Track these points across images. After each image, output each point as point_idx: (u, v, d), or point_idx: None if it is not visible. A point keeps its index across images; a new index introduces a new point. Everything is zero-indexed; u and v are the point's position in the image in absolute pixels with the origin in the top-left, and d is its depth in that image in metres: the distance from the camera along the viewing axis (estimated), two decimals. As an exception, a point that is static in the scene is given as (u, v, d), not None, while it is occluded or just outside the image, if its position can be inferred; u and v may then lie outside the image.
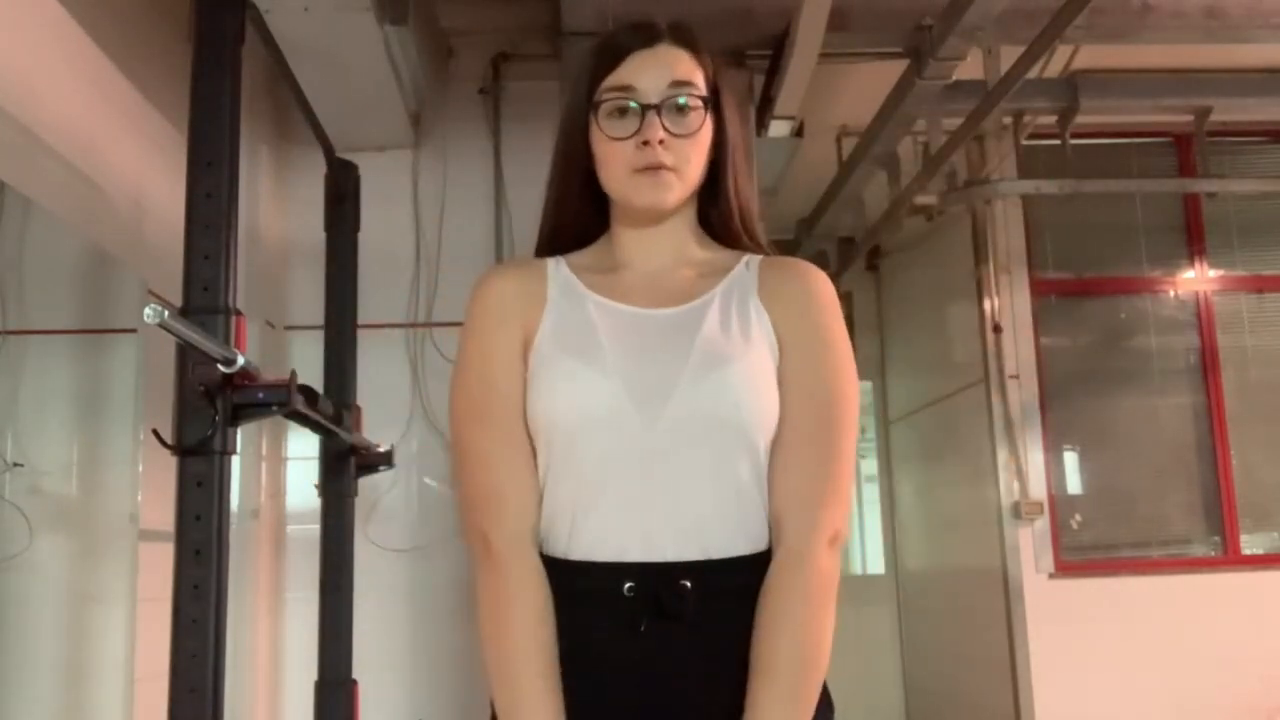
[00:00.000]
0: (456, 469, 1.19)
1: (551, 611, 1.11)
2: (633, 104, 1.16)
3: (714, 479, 1.11)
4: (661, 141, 1.15)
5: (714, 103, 1.21)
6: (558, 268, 1.23)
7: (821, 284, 1.21)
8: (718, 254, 1.25)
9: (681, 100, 1.16)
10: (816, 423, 1.14)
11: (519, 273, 1.24)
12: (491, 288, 1.22)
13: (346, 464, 2.84)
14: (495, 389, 1.17)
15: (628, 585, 1.09)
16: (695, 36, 1.22)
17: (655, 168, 1.15)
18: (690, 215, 1.25)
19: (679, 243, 1.23)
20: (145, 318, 1.48)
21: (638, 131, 1.15)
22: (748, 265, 1.23)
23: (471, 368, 1.19)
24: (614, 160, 1.17)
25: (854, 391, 1.17)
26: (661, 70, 1.17)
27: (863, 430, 6.25)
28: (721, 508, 1.11)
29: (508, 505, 1.14)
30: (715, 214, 1.25)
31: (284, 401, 1.88)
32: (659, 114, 1.15)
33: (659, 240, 1.22)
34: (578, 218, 1.25)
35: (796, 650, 1.07)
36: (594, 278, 1.22)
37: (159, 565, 1.94)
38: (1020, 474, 4.10)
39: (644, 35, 1.20)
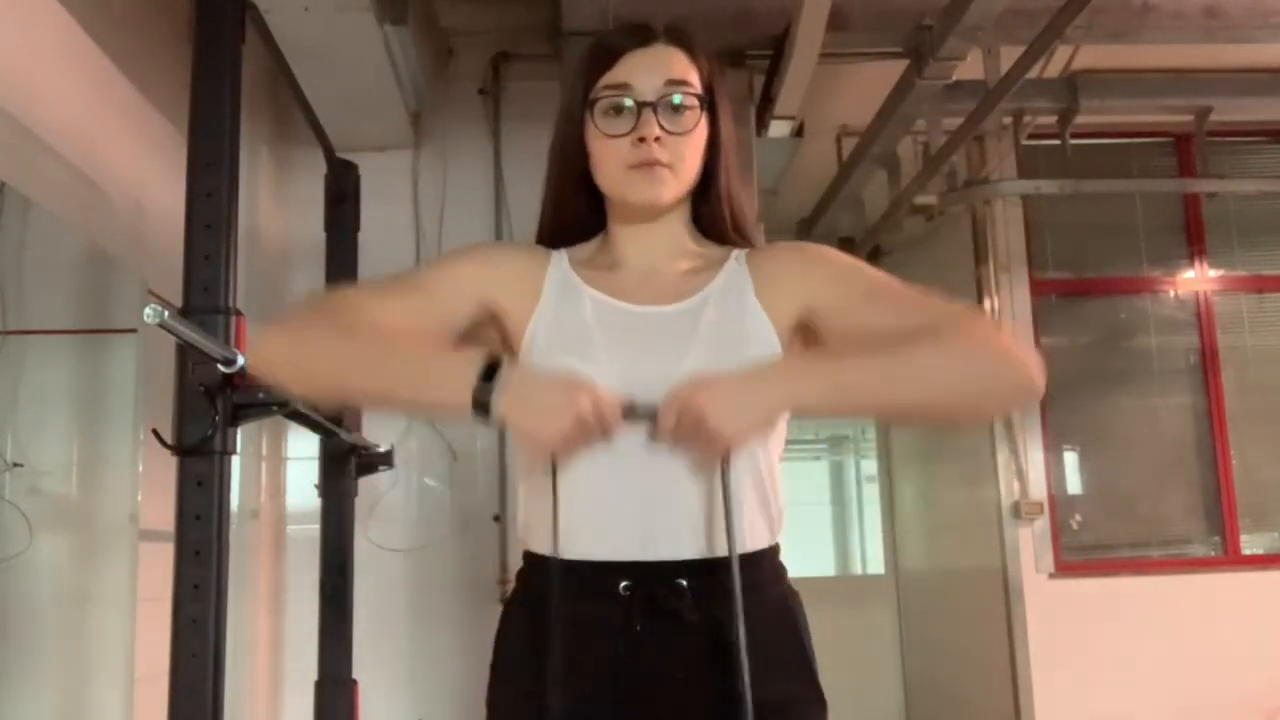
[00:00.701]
0: None
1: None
2: (628, 102, 1.17)
3: (710, 478, 1.10)
4: (657, 138, 1.15)
5: (709, 103, 1.21)
6: (560, 260, 1.24)
7: (810, 246, 1.26)
8: (710, 250, 1.26)
9: (676, 99, 1.17)
10: (878, 290, 1.18)
11: (525, 254, 1.25)
12: (502, 249, 1.28)
13: (346, 464, 2.84)
14: (441, 279, 1.22)
15: (623, 585, 1.09)
16: (691, 37, 1.23)
17: (650, 164, 1.16)
18: (685, 214, 1.25)
19: (673, 240, 1.24)
20: (145, 318, 1.48)
21: (633, 129, 1.16)
22: (737, 260, 1.23)
23: (435, 263, 1.28)
24: (609, 157, 1.18)
25: (882, 271, 1.21)
26: (657, 69, 1.18)
27: (862, 430, 6.26)
28: (718, 506, 1.10)
29: (365, 303, 1.15)
30: (707, 213, 1.26)
31: (284, 401, 1.88)
32: (654, 111, 1.16)
33: (654, 237, 1.23)
34: (575, 216, 1.26)
35: (923, 343, 1.08)
36: (591, 274, 1.22)
37: (159, 565, 1.94)
38: (1020, 474, 4.10)
39: (640, 35, 1.21)
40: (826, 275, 1.20)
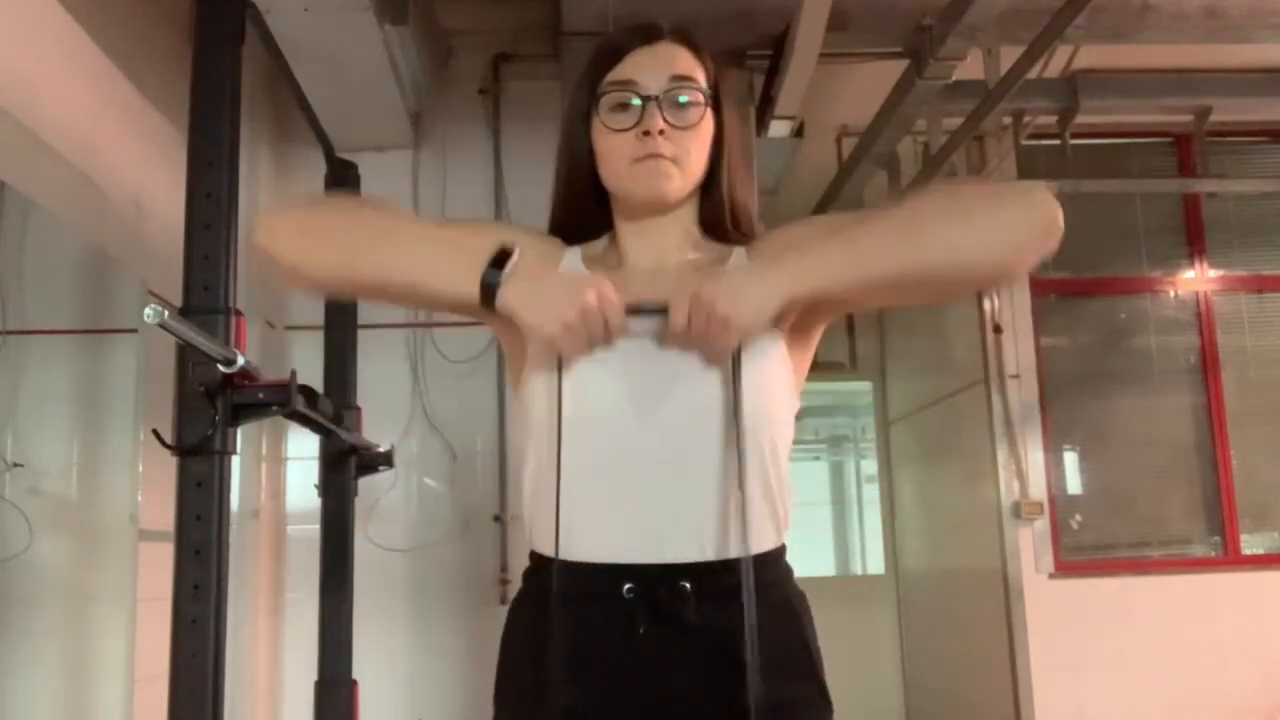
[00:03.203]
0: None
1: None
2: (634, 99, 1.17)
3: (714, 480, 1.10)
4: (662, 132, 1.15)
5: (714, 102, 1.21)
6: (573, 255, 1.24)
7: (797, 220, 1.25)
8: (714, 248, 1.25)
9: (682, 95, 1.17)
10: (863, 216, 1.15)
11: (545, 240, 1.26)
12: (525, 233, 1.25)
13: (346, 464, 2.84)
14: (463, 227, 1.24)
15: (627, 586, 1.08)
16: (696, 37, 1.23)
17: (655, 157, 1.15)
18: (691, 213, 1.25)
19: (679, 239, 1.23)
20: (145, 318, 1.48)
21: (638, 123, 1.16)
22: (739, 257, 1.23)
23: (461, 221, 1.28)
24: (615, 153, 1.18)
25: None
26: (662, 65, 1.18)
27: (862, 430, 6.26)
28: (722, 509, 1.10)
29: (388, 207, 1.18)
30: (710, 211, 1.25)
31: (284, 401, 1.88)
32: (659, 106, 1.16)
33: (660, 235, 1.22)
34: (583, 215, 1.26)
35: (941, 197, 1.09)
36: (600, 270, 1.22)
37: (159, 565, 1.94)
38: (1020, 474, 4.10)
39: (645, 33, 1.21)
40: (815, 229, 1.20)
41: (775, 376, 1.14)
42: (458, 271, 1.07)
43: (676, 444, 1.10)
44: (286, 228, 1.14)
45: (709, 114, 1.20)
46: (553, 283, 1.07)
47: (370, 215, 1.17)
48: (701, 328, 1.03)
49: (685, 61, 1.19)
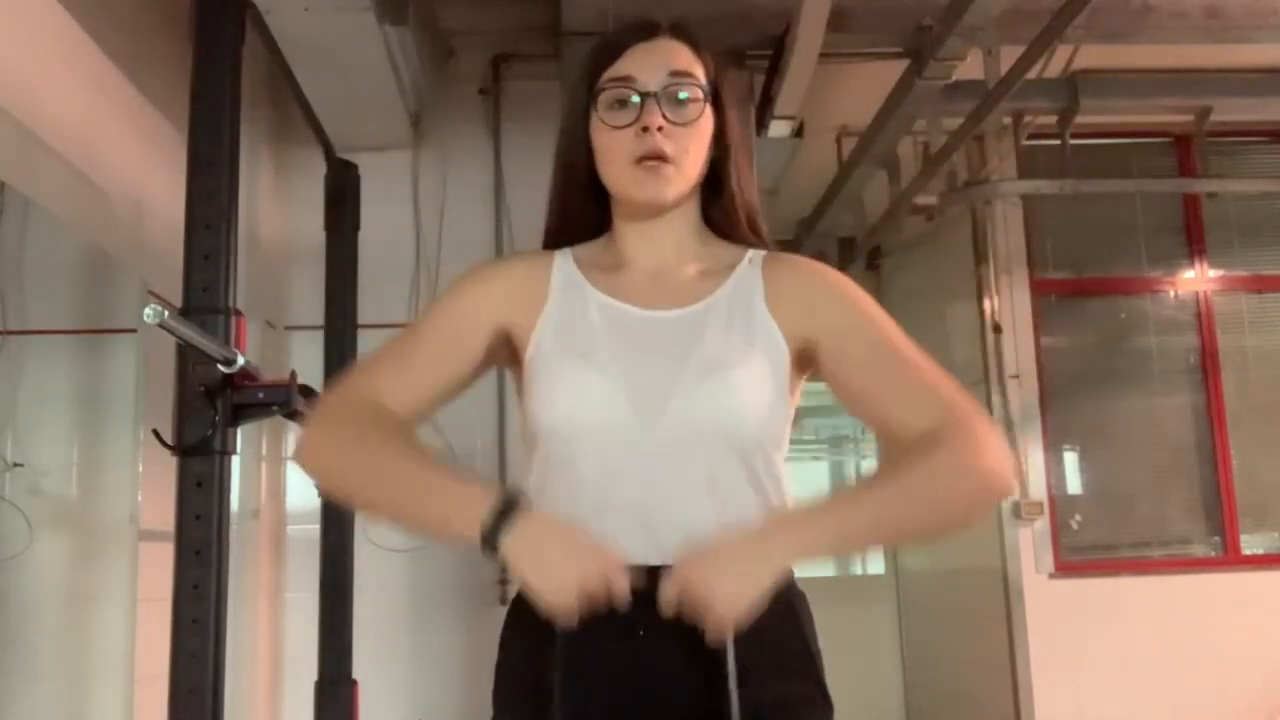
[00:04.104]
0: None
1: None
2: (633, 96, 1.16)
3: (711, 484, 1.10)
4: (660, 128, 1.14)
5: (715, 99, 1.21)
6: (564, 261, 1.23)
7: (832, 273, 1.22)
8: (720, 250, 1.24)
9: (681, 92, 1.16)
10: (880, 353, 1.16)
11: (524, 263, 1.25)
12: (497, 267, 1.25)
13: (346, 464, 2.83)
14: (450, 320, 1.21)
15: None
16: (695, 34, 1.22)
17: (654, 157, 1.14)
18: (692, 211, 1.24)
19: (681, 239, 1.22)
20: (145, 318, 1.48)
21: (637, 119, 1.15)
22: (750, 262, 1.22)
23: (438, 305, 1.24)
24: (614, 151, 1.17)
25: (894, 325, 1.18)
26: (661, 61, 1.17)
27: (863, 430, 6.25)
28: (719, 512, 1.10)
29: (392, 384, 1.17)
30: (718, 211, 1.24)
31: (284, 401, 1.88)
32: (658, 102, 1.15)
33: (661, 236, 1.21)
34: (582, 215, 1.25)
35: (912, 475, 1.09)
36: (598, 275, 1.21)
37: (159, 565, 1.94)
38: (1020, 474, 4.10)
39: (644, 30, 1.20)
40: (840, 313, 1.18)
41: (766, 386, 1.14)
42: (462, 519, 1.06)
43: (675, 451, 1.10)
44: (314, 459, 1.16)
45: (708, 110, 1.19)
46: (555, 548, 1.05)
47: (382, 446, 1.13)
48: (690, 610, 1.04)
49: (684, 57, 1.18)
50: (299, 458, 1.16)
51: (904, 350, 1.16)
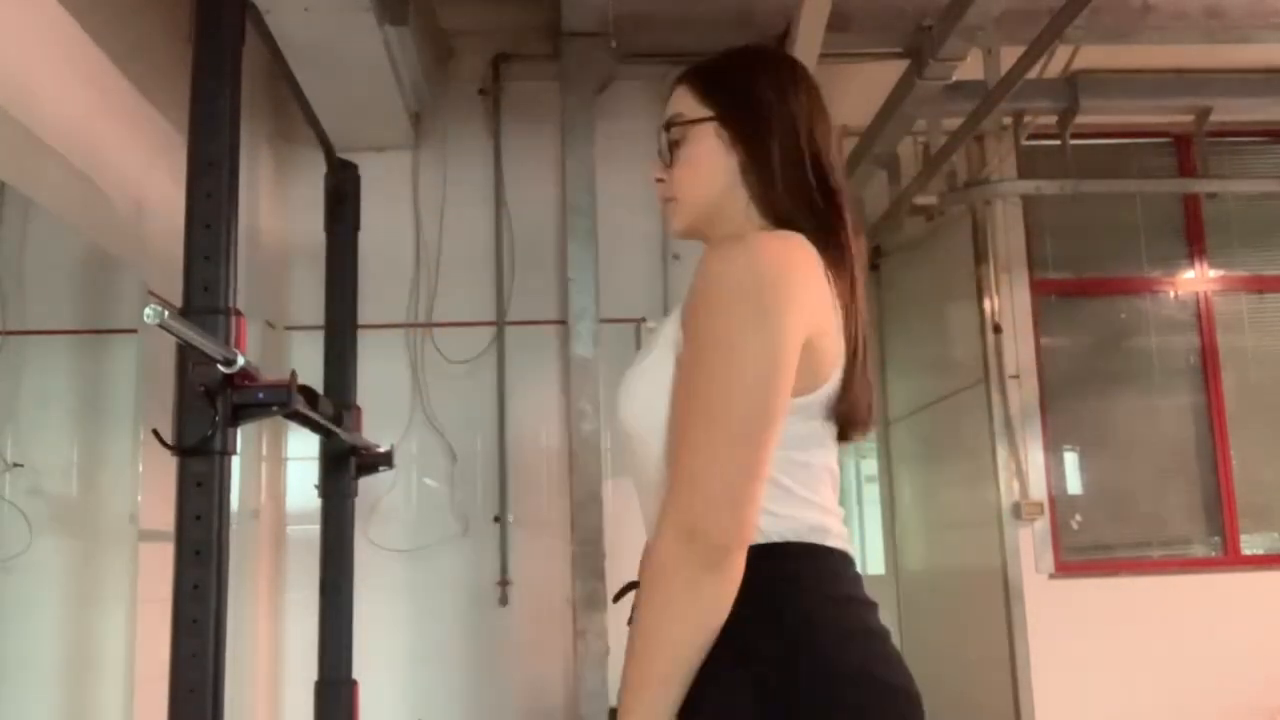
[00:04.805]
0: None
1: None
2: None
3: (638, 481, 1.19)
4: (660, 180, 1.26)
5: (717, 110, 1.21)
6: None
7: (704, 266, 1.09)
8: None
9: (664, 142, 1.25)
10: (676, 417, 1.09)
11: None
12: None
13: (346, 464, 2.84)
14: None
15: (629, 585, 1.17)
16: (694, 67, 1.27)
17: (665, 200, 1.27)
18: (735, 220, 1.20)
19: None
20: (145, 318, 1.48)
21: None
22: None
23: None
24: None
25: (707, 374, 1.05)
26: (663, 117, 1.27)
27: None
28: (648, 508, 1.17)
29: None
30: (779, 204, 1.18)
31: (284, 401, 1.88)
32: (660, 157, 1.27)
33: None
34: None
35: (633, 635, 1.08)
36: None
37: (159, 565, 1.94)
38: (1020, 474, 4.10)
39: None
40: (684, 320, 1.10)
41: (659, 382, 1.12)
42: None
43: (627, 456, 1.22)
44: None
45: (693, 134, 1.22)
46: None
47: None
48: None
49: (672, 104, 1.26)
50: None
51: (684, 419, 1.06)
